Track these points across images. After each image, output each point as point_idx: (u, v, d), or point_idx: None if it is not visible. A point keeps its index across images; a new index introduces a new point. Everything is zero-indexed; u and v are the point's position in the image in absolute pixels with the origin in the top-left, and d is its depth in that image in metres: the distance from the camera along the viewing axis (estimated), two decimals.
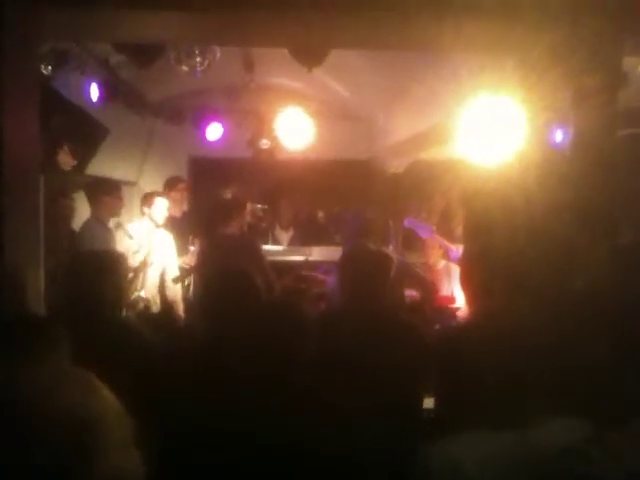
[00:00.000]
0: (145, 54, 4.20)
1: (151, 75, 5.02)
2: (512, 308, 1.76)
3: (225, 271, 2.68)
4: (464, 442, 1.59)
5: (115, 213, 5.49)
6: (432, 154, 6.99)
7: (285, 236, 7.13)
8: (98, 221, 5.30)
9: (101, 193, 5.37)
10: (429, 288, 4.56)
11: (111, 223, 5.45)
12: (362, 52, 5.20)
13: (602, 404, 1.86)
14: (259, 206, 6.41)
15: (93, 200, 5.39)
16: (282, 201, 7.19)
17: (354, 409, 2.01)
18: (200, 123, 7.00)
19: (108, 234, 5.34)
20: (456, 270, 5.27)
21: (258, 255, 4.61)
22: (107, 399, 1.00)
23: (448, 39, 3.33)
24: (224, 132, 7.08)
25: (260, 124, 6.95)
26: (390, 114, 7.00)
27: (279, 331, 2.03)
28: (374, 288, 2.84)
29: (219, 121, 7.02)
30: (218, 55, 4.87)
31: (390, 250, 4.44)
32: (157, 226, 5.44)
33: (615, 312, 2.25)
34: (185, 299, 5.60)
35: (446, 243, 5.42)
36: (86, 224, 5.32)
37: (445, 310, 5.08)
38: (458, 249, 5.12)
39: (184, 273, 5.87)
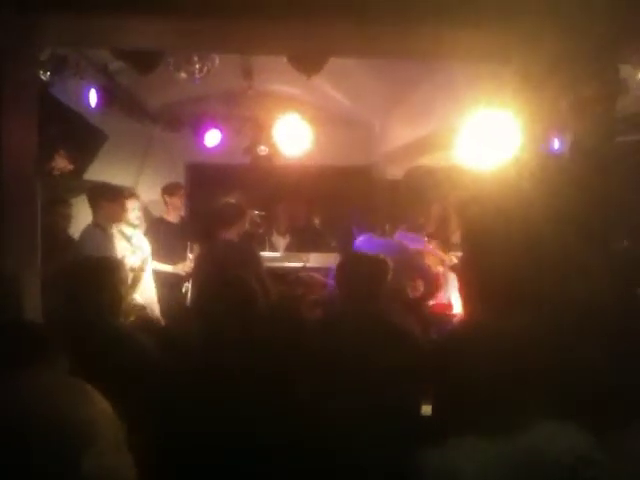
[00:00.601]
0: (144, 61, 4.20)
1: (150, 81, 5.03)
2: (510, 315, 1.76)
3: (222, 277, 2.67)
4: (462, 449, 1.59)
5: (116, 219, 5.49)
6: (430, 161, 7.00)
7: (282, 242, 7.13)
8: (99, 227, 5.29)
9: (104, 199, 5.36)
10: (433, 281, 4.56)
11: (112, 229, 5.46)
12: (361, 60, 5.22)
13: (600, 408, 1.87)
14: (256, 212, 6.41)
15: (95, 206, 5.39)
16: (280, 207, 7.20)
17: (351, 415, 2.01)
18: (198, 129, 7.01)
19: (109, 240, 5.33)
20: (453, 277, 5.28)
21: (256, 262, 4.61)
22: (101, 405, 1.00)
23: (446, 47, 3.34)
24: (222, 138, 7.09)
25: (258, 131, 6.96)
26: (388, 121, 7.02)
27: (279, 335, 2.03)
28: (370, 293, 2.84)
29: (217, 127, 7.03)
30: (217, 62, 4.88)
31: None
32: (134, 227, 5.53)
33: (612, 317, 2.25)
34: (182, 305, 5.61)
35: (439, 254, 5.42)
36: (87, 230, 5.31)
37: (443, 317, 5.07)
38: (450, 260, 5.13)
39: (182, 280, 5.89)
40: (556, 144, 3.59)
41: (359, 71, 5.69)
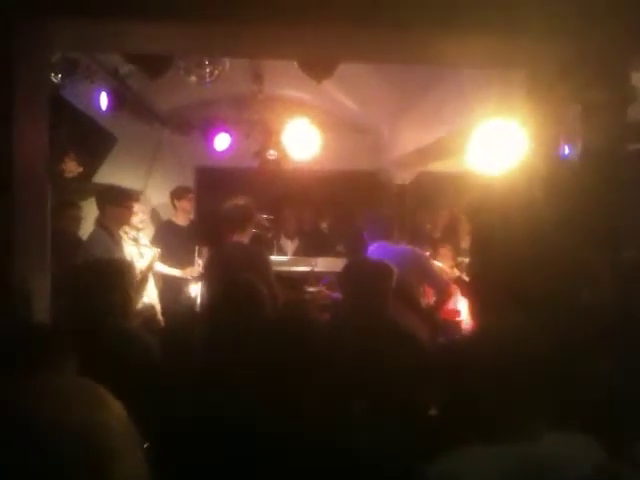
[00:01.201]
0: (155, 65, 4.22)
1: (160, 85, 5.05)
2: (517, 321, 1.75)
3: (232, 281, 2.68)
4: (465, 456, 1.58)
5: (124, 222, 5.51)
6: (438, 167, 7.01)
7: (290, 246, 7.14)
8: (106, 230, 5.32)
9: (112, 203, 5.39)
10: (445, 287, 4.55)
11: (119, 232, 5.48)
12: (370, 66, 5.23)
13: (605, 417, 1.86)
14: (265, 216, 6.42)
15: (103, 209, 5.42)
16: (288, 211, 7.21)
17: (355, 420, 2.01)
18: (208, 133, 7.03)
19: (116, 243, 5.36)
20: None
21: (265, 265, 4.60)
22: (115, 407, 1.00)
23: (456, 54, 3.34)
24: (231, 142, 7.11)
25: (268, 135, 6.98)
26: (397, 127, 7.02)
27: (285, 338, 2.03)
28: (375, 299, 2.84)
29: (227, 131, 7.05)
30: (227, 66, 4.90)
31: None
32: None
33: (620, 326, 2.24)
34: (192, 308, 5.62)
35: (441, 267, 5.41)
36: (93, 232, 5.34)
37: (449, 323, 5.07)
38: (453, 272, 5.13)
39: (190, 283, 5.90)
40: (566, 151, 3.58)
41: (369, 77, 5.70)
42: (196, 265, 5.86)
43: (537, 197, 3.09)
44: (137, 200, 5.94)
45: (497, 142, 3.35)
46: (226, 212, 4.74)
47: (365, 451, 1.88)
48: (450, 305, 5.32)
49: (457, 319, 5.22)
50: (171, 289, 5.97)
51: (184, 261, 5.98)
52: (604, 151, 3.09)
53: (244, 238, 4.73)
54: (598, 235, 3.00)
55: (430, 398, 2.33)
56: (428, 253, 5.58)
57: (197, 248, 5.91)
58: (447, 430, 1.85)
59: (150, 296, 5.53)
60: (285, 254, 6.89)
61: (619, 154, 3.12)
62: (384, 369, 2.33)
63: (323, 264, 6.06)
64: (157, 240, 6.13)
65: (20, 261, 2.83)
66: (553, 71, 3.06)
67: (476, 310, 2.63)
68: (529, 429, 1.60)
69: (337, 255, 6.55)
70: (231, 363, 2.27)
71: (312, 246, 7.00)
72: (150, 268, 5.31)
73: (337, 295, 4.54)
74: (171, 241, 6.12)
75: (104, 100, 5.13)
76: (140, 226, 5.70)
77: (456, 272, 5.23)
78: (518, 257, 2.81)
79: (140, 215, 5.77)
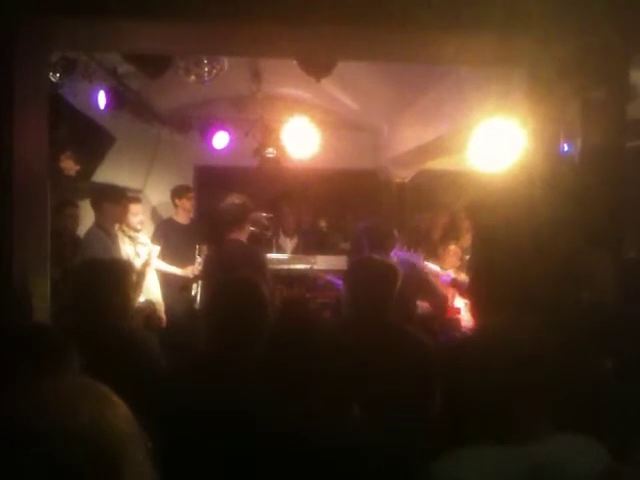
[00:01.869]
0: (153, 65, 4.22)
1: (159, 84, 5.05)
2: (518, 321, 1.75)
3: (232, 279, 2.68)
4: (466, 457, 1.58)
5: (119, 220, 5.52)
6: (438, 165, 7.01)
7: (289, 244, 7.15)
8: (102, 228, 5.32)
9: (105, 200, 5.40)
10: (442, 300, 4.53)
11: (115, 230, 5.48)
12: (369, 64, 5.22)
13: (606, 418, 1.86)
14: (264, 215, 6.43)
15: (97, 207, 5.42)
16: (287, 209, 7.22)
17: (356, 420, 2.01)
18: (207, 132, 7.03)
19: (112, 241, 5.36)
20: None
21: (261, 263, 4.60)
22: (121, 409, 1.00)
23: (455, 51, 3.34)
24: (230, 141, 7.11)
25: (266, 133, 6.98)
26: (396, 125, 7.02)
27: (287, 337, 2.03)
28: (379, 299, 2.83)
29: (226, 130, 7.05)
30: (226, 65, 4.89)
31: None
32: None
33: (621, 325, 2.24)
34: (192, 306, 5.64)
35: (436, 269, 5.39)
36: (90, 231, 5.34)
37: (449, 321, 5.07)
38: (448, 274, 5.11)
39: (190, 282, 5.91)
40: (566, 148, 3.58)
41: (368, 75, 5.70)
42: (196, 264, 5.87)
43: (537, 195, 3.09)
44: (138, 202, 5.95)
45: (497, 140, 3.35)
46: (222, 211, 4.74)
47: (367, 451, 1.88)
48: (450, 303, 5.32)
49: (456, 316, 5.22)
50: (171, 287, 5.98)
51: (185, 259, 5.99)
52: (604, 149, 3.09)
53: (241, 236, 4.73)
54: (598, 233, 3.00)
55: (431, 398, 2.33)
56: (422, 256, 5.58)
57: (198, 247, 5.91)
58: (448, 430, 1.85)
59: (152, 294, 5.54)
60: (284, 252, 6.90)
61: (619, 152, 3.12)
62: (386, 368, 2.33)
63: (323, 261, 6.06)
64: (158, 238, 6.14)
65: (20, 260, 2.83)
66: (553, 69, 3.06)
67: (476, 309, 2.63)
68: (530, 429, 1.59)
69: (336, 253, 6.55)
70: (233, 362, 2.27)
71: (312, 244, 7.01)
72: (147, 265, 5.32)
73: (339, 281, 4.51)
74: (172, 239, 6.13)
75: (103, 99, 5.13)
76: (139, 227, 5.72)
77: (451, 274, 5.21)
78: (518, 255, 2.81)
79: (140, 216, 5.78)
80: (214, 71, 4.83)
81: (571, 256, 2.85)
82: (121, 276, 2.68)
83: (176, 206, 6.48)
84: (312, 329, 2.05)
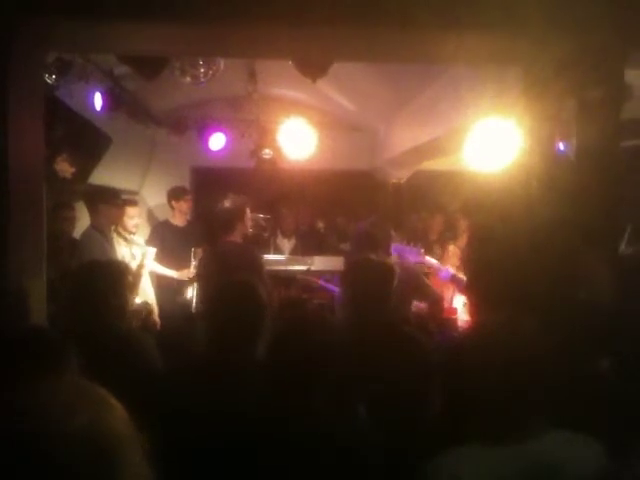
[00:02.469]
0: (149, 66, 4.21)
1: (155, 85, 5.04)
2: (516, 320, 1.75)
3: (229, 282, 2.67)
4: (464, 455, 1.58)
5: (114, 222, 5.51)
6: (434, 165, 7.01)
7: (287, 245, 7.14)
8: (97, 230, 5.31)
9: (99, 202, 5.39)
10: (437, 301, 4.54)
11: (111, 232, 5.47)
12: (365, 64, 5.22)
13: (605, 416, 1.86)
14: (261, 216, 6.42)
15: (92, 209, 5.41)
16: (284, 210, 7.21)
17: (356, 419, 2.01)
18: (203, 133, 7.03)
19: (109, 243, 5.35)
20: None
21: (257, 265, 4.60)
22: (118, 411, 1.00)
23: (451, 51, 3.34)
24: (227, 142, 7.11)
25: (263, 134, 6.98)
26: (392, 125, 7.02)
27: (284, 338, 2.03)
28: (377, 299, 2.84)
29: (222, 131, 7.05)
30: (222, 66, 4.89)
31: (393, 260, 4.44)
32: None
33: (618, 323, 2.25)
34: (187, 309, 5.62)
35: (435, 264, 5.39)
36: (86, 233, 5.33)
37: (446, 321, 5.07)
38: (447, 270, 5.11)
39: (187, 284, 5.90)
40: (561, 148, 3.58)
41: (364, 75, 5.70)
42: (192, 267, 5.86)
43: (533, 194, 3.09)
44: (134, 204, 5.93)
45: (493, 140, 3.35)
46: (217, 213, 4.74)
47: (366, 450, 1.88)
48: (447, 303, 5.32)
49: (453, 316, 5.22)
50: (167, 290, 5.96)
51: (181, 262, 5.97)
52: (599, 148, 3.10)
53: (237, 237, 4.73)
54: (594, 231, 3.00)
55: (430, 397, 2.32)
56: (422, 251, 5.58)
57: (193, 250, 5.90)
58: (447, 429, 1.85)
59: (147, 296, 5.53)
60: (282, 253, 6.89)
61: (614, 151, 3.13)
62: (385, 367, 2.33)
63: (320, 262, 6.06)
64: (153, 240, 6.12)
65: (16, 263, 2.82)
66: (549, 68, 3.06)
67: (474, 308, 2.63)
68: (529, 428, 1.60)
69: (334, 254, 6.55)
70: (231, 364, 2.27)
71: (309, 245, 7.01)
72: (142, 267, 5.31)
73: (334, 288, 4.52)
74: (168, 241, 6.12)
75: (99, 101, 5.12)
76: (133, 230, 5.71)
77: (450, 270, 5.21)
78: (515, 254, 2.81)
79: (135, 219, 5.77)
80: (210, 72, 4.82)
81: (567, 255, 2.85)
82: (118, 277, 2.68)
83: (173, 208, 6.46)
84: (310, 330, 2.05)
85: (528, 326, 1.71)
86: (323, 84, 5.12)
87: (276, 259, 6.21)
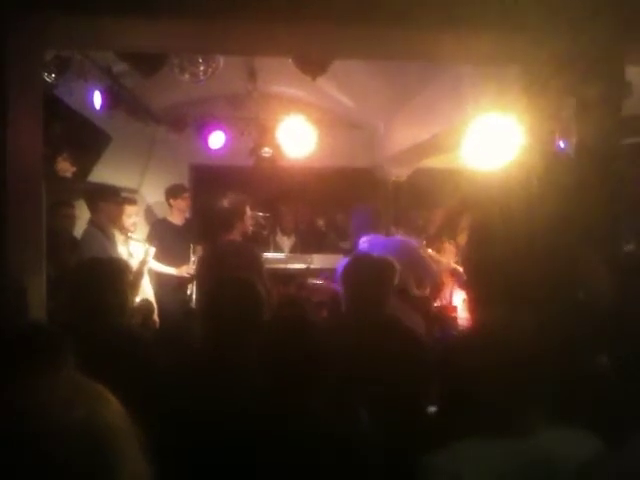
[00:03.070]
0: (148, 63, 4.21)
1: (154, 83, 5.03)
2: (515, 317, 1.75)
3: (228, 279, 2.67)
4: (464, 451, 1.58)
5: (115, 219, 5.51)
6: (434, 163, 7.01)
7: (287, 243, 7.14)
8: (98, 228, 5.31)
9: (100, 199, 5.39)
10: (436, 278, 4.55)
11: (112, 229, 5.48)
12: (365, 62, 5.22)
13: (603, 413, 1.86)
14: (260, 214, 6.42)
15: (92, 207, 5.41)
16: (284, 208, 7.21)
17: (355, 417, 2.01)
18: (203, 131, 7.02)
19: (110, 241, 5.35)
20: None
21: (257, 263, 4.60)
22: (115, 406, 1.00)
23: (451, 50, 3.34)
24: (226, 140, 7.10)
25: (262, 132, 6.97)
26: (392, 123, 7.02)
27: (283, 337, 2.03)
28: (377, 296, 2.83)
29: (221, 129, 7.04)
30: (221, 64, 4.88)
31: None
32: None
33: (617, 321, 2.25)
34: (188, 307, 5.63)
35: (436, 257, 5.40)
36: (87, 231, 5.33)
37: (446, 318, 5.07)
38: (448, 263, 5.12)
39: (186, 281, 5.90)
40: (561, 145, 3.58)
41: (363, 73, 5.69)
42: (191, 263, 5.86)
43: (533, 192, 3.09)
44: (133, 203, 5.93)
45: (493, 138, 3.35)
46: (216, 211, 4.74)
47: (365, 448, 1.88)
48: (447, 300, 5.33)
49: (453, 314, 5.23)
50: (166, 287, 5.96)
51: (179, 260, 5.97)
52: (599, 145, 3.10)
53: (236, 236, 4.72)
54: (594, 229, 3.00)
55: (430, 394, 2.33)
56: (424, 242, 5.58)
57: (192, 246, 5.90)
58: (447, 426, 1.85)
59: (146, 294, 5.53)
60: (282, 251, 6.89)
61: (614, 149, 3.13)
62: (385, 365, 2.33)
63: (319, 260, 6.06)
64: (151, 238, 6.12)
65: (15, 260, 2.82)
66: (548, 66, 3.06)
67: (473, 305, 2.63)
68: (528, 425, 1.60)
69: (334, 251, 6.55)
70: (230, 361, 2.27)
71: (309, 243, 7.01)
72: (144, 264, 5.31)
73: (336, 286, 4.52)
74: (166, 239, 6.10)
75: (98, 99, 5.11)
76: (131, 229, 5.70)
77: (451, 263, 5.23)
78: (515, 252, 2.81)
79: (133, 218, 5.77)
80: (209, 70, 4.81)
81: (566, 252, 2.85)
82: (117, 275, 2.68)
83: (171, 206, 6.45)
84: (306, 328, 2.05)
85: (527, 323, 1.71)
86: (323, 82, 5.12)
87: (276, 257, 6.22)
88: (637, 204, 3.67)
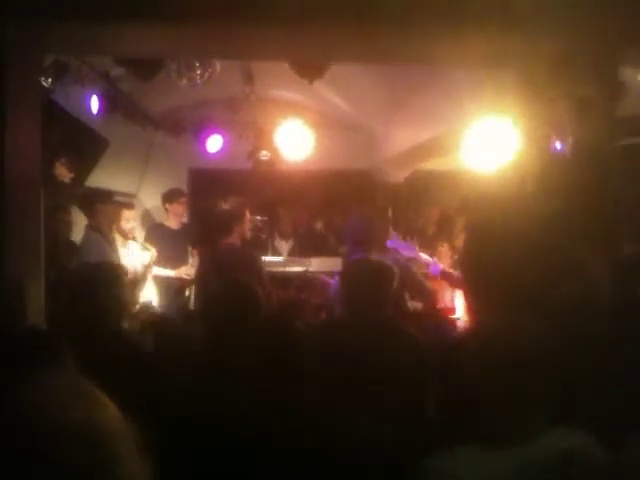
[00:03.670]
0: (146, 67, 4.21)
1: (151, 87, 5.04)
2: (513, 319, 1.76)
3: (227, 282, 2.68)
4: (464, 454, 1.58)
5: (113, 221, 5.50)
6: (432, 165, 7.02)
7: (285, 246, 7.14)
8: (97, 231, 5.31)
9: (97, 202, 5.39)
10: (431, 297, 4.54)
11: (111, 231, 5.48)
12: (362, 65, 5.22)
13: (602, 415, 1.86)
14: (259, 217, 6.42)
15: (89, 211, 5.41)
16: (282, 212, 7.21)
17: (354, 421, 2.01)
18: (200, 135, 7.01)
19: (109, 244, 5.35)
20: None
21: (256, 266, 4.61)
22: (111, 409, 1.01)
23: (448, 53, 3.35)
24: (224, 144, 7.09)
25: (260, 136, 6.97)
26: (390, 126, 7.02)
27: (276, 345, 2.04)
28: (376, 299, 2.83)
29: (219, 133, 7.04)
30: (218, 68, 4.89)
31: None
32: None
33: (615, 322, 2.25)
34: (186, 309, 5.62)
35: (426, 259, 5.39)
36: (86, 235, 5.33)
37: (445, 321, 5.07)
38: (436, 264, 5.09)
39: (185, 284, 5.90)
40: (558, 147, 3.59)
41: (361, 76, 5.70)
42: (189, 264, 5.86)
43: (530, 193, 3.09)
44: (131, 208, 5.93)
45: (490, 140, 3.36)
46: (215, 215, 4.75)
47: (365, 451, 1.88)
48: (446, 303, 5.33)
49: (451, 316, 5.23)
50: (164, 290, 5.96)
51: (176, 264, 5.97)
52: (595, 146, 3.10)
53: (235, 239, 4.73)
54: (591, 230, 3.01)
55: (428, 397, 2.33)
56: (417, 247, 5.57)
57: (190, 249, 5.90)
58: (446, 429, 1.85)
59: (147, 297, 5.54)
60: (280, 254, 6.89)
61: (610, 149, 3.13)
62: (384, 367, 2.33)
63: (318, 264, 6.06)
64: (148, 242, 6.11)
65: (13, 264, 2.82)
66: (544, 69, 3.07)
67: (471, 307, 2.63)
68: (529, 428, 1.59)
69: (332, 255, 6.54)
70: (229, 364, 2.27)
71: (307, 246, 7.00)
72: (148, 267, 5.31)
73: (334, 282, 4.51)
74: (162, 244, 6.09)
75: (95, 103, 5.12)
76: (129, 235, 5.70)
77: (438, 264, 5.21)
78: (512, 254, 2.81)
79: (132, 223, 5.77)
80: (206, 74, 4.82)
81: (564, 254, 2.85)
82: (116, 279, 2.68)
83: (167, 211, 6.45)
84: (303, 332, 2.06)
85: (527, 325, 1.71)
86: (320, 85, 5.12)
87: (274, 261, 6.21)
88: (635, 203, 3.68)
